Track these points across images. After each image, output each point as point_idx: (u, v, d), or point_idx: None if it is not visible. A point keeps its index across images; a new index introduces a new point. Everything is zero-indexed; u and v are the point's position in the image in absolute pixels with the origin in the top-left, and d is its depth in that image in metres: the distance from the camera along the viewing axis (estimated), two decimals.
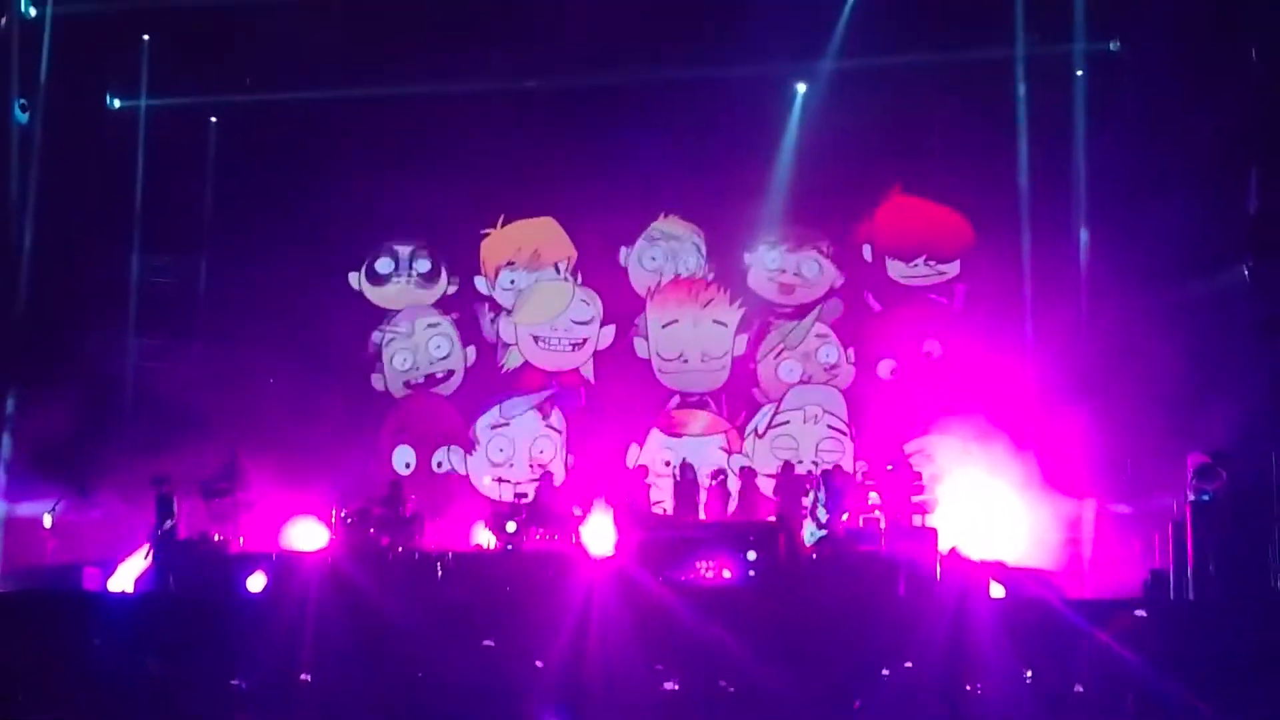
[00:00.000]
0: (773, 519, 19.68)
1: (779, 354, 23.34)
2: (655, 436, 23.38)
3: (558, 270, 23.99)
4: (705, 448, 23.16)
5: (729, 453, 23.08)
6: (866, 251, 23.03)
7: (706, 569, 18.06)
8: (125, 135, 23.27)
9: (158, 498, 19.44)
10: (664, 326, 23.64)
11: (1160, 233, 19.31)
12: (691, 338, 23.54)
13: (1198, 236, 19.24)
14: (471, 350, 24.11)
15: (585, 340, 23.85)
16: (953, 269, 22.74)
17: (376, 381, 24.25)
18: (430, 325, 24.29)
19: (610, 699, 16.31)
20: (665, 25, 21.53)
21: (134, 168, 23.36)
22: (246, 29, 21.96)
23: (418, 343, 24.27)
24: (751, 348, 23.34)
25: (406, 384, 24.24)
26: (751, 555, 17.99)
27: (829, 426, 22.91)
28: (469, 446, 23.80)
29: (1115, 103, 20.26)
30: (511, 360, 23.98)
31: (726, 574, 18.03)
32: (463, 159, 22.69)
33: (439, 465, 23.87)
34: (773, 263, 23.44)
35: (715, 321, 23.51)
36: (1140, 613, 15.98)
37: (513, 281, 24.03)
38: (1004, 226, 21.60)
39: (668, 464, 22.41)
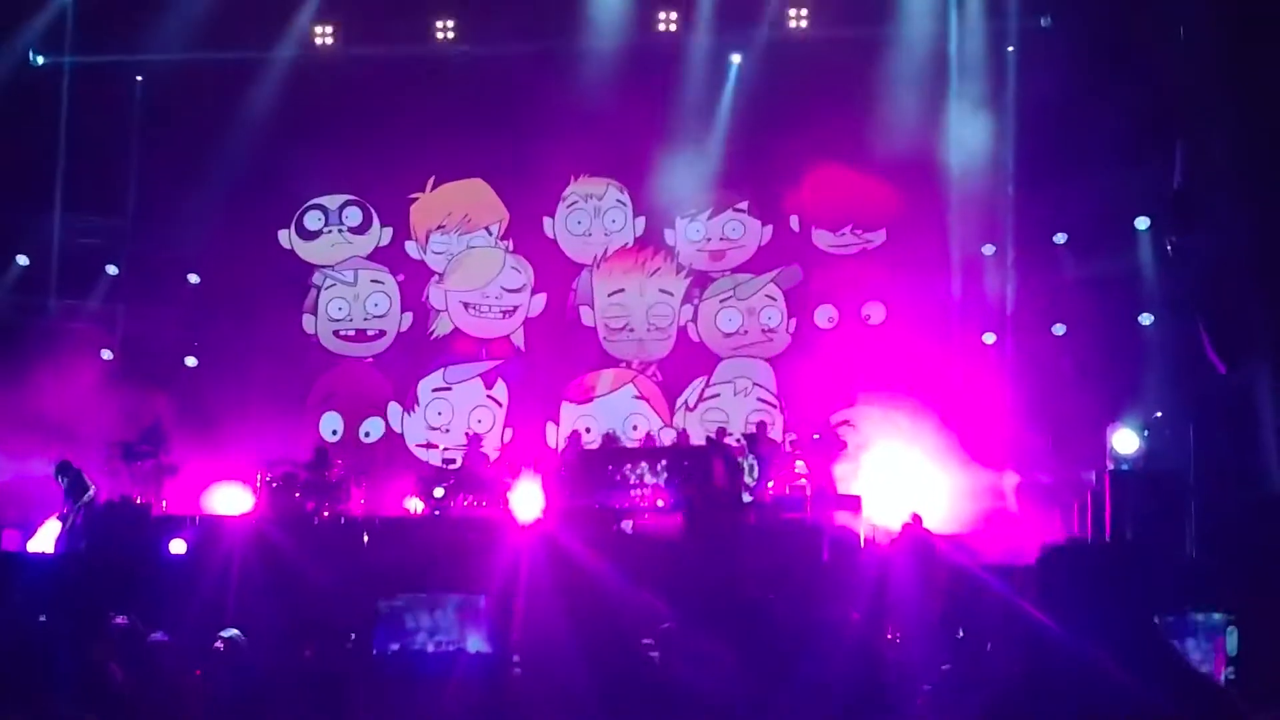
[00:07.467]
0: (707, 440, 19.78)
1: (724, 300, 23.25)
2: (568, 409, 23.15)
3: (489, 233, 23.81)
4: (619, 402, 23.07)
5: (653, 408, 23.03)
6: (794, 222, 23.08)
7: (641, 497, 18.27)
8: (49, 92, 22.87)
9: (66, 483, 18.90)
10: (610, 295, 23.48)
11: (1086, 206, 19.59)
12: (638, 307, 23.40)
13: (1123, 210, 19.49)
14: (409, 316, 23.80)
15: (516, 308, 23.70)
16: (879, 237, 22.79)
17: (307, 323, 23.82)
18: (375, 281, 23.94)
19: (536, 663, 16.30)
20: None
21: (57, 126, 22.96)
22: None
23: (358, 293, 23.91)
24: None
25: (336, 333, 23.88)
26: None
27: (759, 399, 22.94)
28: (410, 405, 23.55)
29: (1045, 76, 20.40)
30: (441, 327, 23.77)
31: (660, 503, 18.16)
32: (391, 120, 22.59)
33: (366, 435, 23.57)
34: (696, 234, 23.37)
35: (662, 290, 23.40)
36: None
37: (444, 246, 23.85)
38: (930, 195, 21.64)
39: (588, 431, 22.08)
